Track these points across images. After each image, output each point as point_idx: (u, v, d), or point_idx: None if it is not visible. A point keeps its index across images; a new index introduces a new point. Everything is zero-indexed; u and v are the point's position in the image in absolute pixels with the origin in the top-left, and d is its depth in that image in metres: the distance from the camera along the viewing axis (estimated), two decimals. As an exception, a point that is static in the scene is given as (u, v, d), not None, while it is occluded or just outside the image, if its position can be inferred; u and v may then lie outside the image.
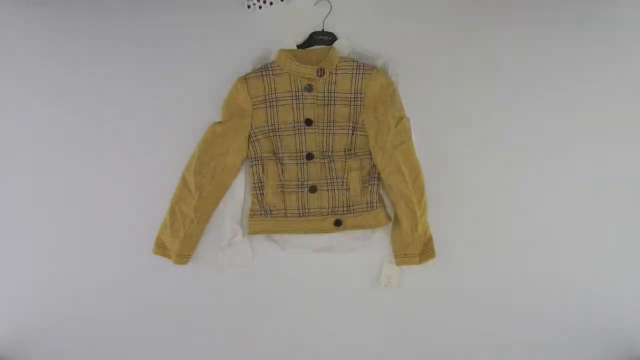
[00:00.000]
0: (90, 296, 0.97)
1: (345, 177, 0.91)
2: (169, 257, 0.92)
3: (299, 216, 0.91)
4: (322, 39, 0.93)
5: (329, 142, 0.91)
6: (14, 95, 0.97)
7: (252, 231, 0.91)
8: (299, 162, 0.91)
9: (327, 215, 0.91)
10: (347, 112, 0.90)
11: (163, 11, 0.97)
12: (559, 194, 0.94)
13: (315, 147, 0.91)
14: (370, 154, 0.91)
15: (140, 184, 0.95)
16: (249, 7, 0.93)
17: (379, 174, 0.91)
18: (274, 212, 0.91)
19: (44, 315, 0.98)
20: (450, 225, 0.93)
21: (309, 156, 0.91)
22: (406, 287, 0.94)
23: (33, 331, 0.98)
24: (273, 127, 0.91)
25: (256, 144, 0.91)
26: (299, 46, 0.93)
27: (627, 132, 0.94)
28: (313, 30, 0.93)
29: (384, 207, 0.92)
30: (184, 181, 0.91)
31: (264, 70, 0.90)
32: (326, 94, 0.90)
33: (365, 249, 0.93)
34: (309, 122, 0.90)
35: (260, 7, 0.94)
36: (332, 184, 0.91)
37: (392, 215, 0.92)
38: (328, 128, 0.91)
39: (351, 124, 0.90)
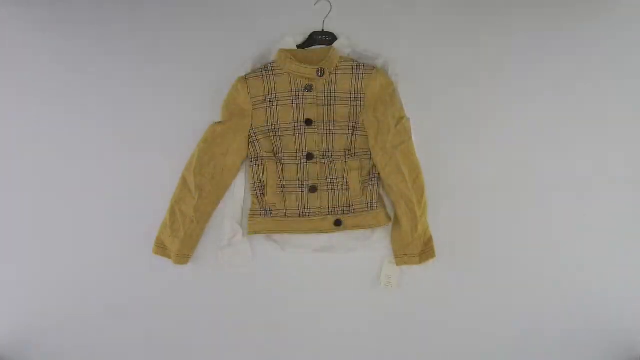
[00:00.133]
0: (90, 296, 0.97)
1: (345, 177, 0.91)
2: (169, 257, 0.92)
3: (299, 216, 0.91)
4: (322, 39, 0.93)
5: (329, 142, 0.91)
6: (13, 95, 0.97)
7: (252, 231, 0.91)
8: (299, 162, 0.91)
9: (327, 215, 0.91)
10: (347, 112, 0.90)
11: (163, 11, 0.97)
12: (559, 193, 0.94)
13: (315, 147, 0.91)
14: (370, 154, 0.91)
15: (140, 184, 0.95)
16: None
17: (379, 174, 0.91)
18: (274, 212, 0.91)
19: (44, 315, 0.98)
20: (450, 225, 0.93)
21: (309, 156, 0.91)
22: (406, 287, 0.94)
23: (33, 331, 0.98)
24: (273, 127, 0.91)
25: (256, 144, 0.91)
26: (299, 46, 0.93)
27: (628, 132, 0.94)
28: (313, 30, 0.93)
29: (384, 207, 0.92)
30: (184, 181, 0.91)
31: (264, 70, 0.90)
32: (326, 94, 0.90)
33: (365, 249, 0.93)
34: (309, 122, 0.90)
35: None
36: (332, 184, 0.91)
37: (392, 215, 0.92)
38: (328, 128, 0.91)
39: (351, 124, 0.90)
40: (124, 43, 0.97)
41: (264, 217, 0.91)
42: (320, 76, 0.88)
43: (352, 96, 0.89)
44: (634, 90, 0.94)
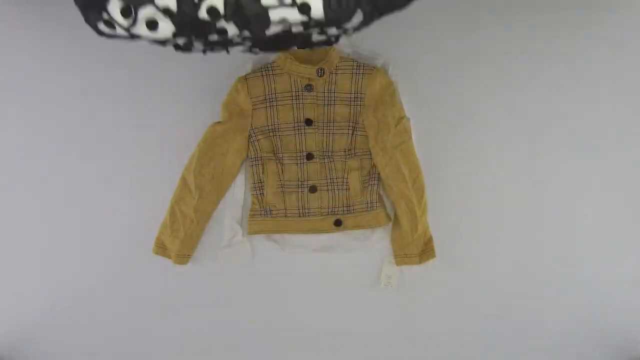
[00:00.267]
0: (90, 296, 0.97)
1: (345, 177, 0.91)
2: (169, 257, 0.92)
3: (299, 216, 0.91)
4: (322, 39, 0.93)
5: (329, 142, 0.91)
6: (13, 95, 0.97)
7: (252, 231, 0.92)
8: (299, 162, 0.91)
9: (327, 215, 0.91)
10: (347, 112, 0.90)
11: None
12: (560, 193, 0.94)
13: (315, 147, 0.91)
14: (370, 154, 0.91)
15: (140, 184, 0.95)
16: None
17: (379, 174, 0.91)
18: (274, 212, 0.91)
19: (44, 315, 0.98)
20: (450, 225, 0.93)
21: (309, 156, 0.91)
22: (406, 287, 0.94)
23: (33, 331, 0.98)
24: (273, 127, 0.91)
25: (256, 144, 0.91)
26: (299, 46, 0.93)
27: (629, 132, 0.94)
28: (313, 30, 0.93)
29: (384, 207, 0.92)
30: (184, 181, 0.91)
31: (264, 70, 0.90)
32: (326, 94, 0.90)
33: (365, 249, 0.93)
34: (309, 122, 0.90)
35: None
36: (332, 184, 0.91)
37: (392, 215, 0.92)
38: (328, 128, 0.91)
39: (351, 124, 0.90)
40: (124, 42, 0.97)
41: (264, 217, 0.91)
42: (321, 76, 0.88)
43: (352, 96, 0.89)
44: (636, 89, 0.94)
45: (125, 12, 0.39)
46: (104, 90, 0.97)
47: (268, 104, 0.90)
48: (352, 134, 0.91)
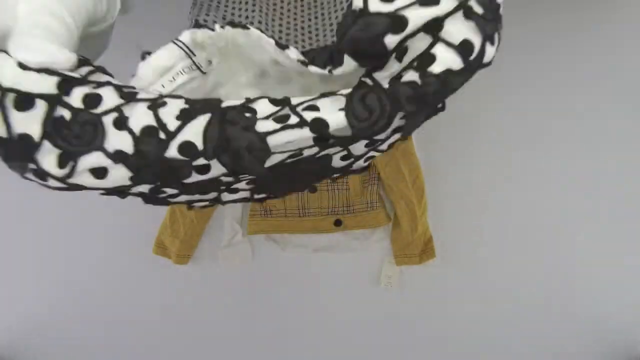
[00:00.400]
0: (90, 296, 0.97)
1: (345, 177, 0.91)
2: (169, 257, 0.92)
3: (299, 216, 0.91)
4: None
5: (329, 142, 0.91)
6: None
7: (252, 231, 0.91)
8: (299, 162, 0.91)
9: (327, 215, 0.91)
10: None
11: (164, 11, 0.97)
12: (560, 193, 0.94)
13: (315, 147, 0.91)
14: (370, 154, 0.90)
15: (140, 184, 0.95)
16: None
17: (378, 174, 0.91)
18: (274, 212, 0.91)
19: (44, 315, 0.98)
20: (450, 225, 0.93)
21: (309, 156, 0.91)
22: (406, 287, 0.94)
23: (33, 331, 0.98)
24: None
25: (256, 144, 0.91)
26: (299, 47, 0.93)
27: (629, 132, 0.94)
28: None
29: (384, 207, 0.92)
30: (184, 181, 0.91)
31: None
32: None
33: (365, 249, 0.93)
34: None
35: None
36: (332, 184, 0.91)
37: (392, 215, 0.92)
38: (328, 128, 0.90)
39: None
40: (125, 42, 0.97)
41: (264, 217, 0.91)
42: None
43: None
44: (636, 90, 0.94)
45: (61, 163, 0.27)
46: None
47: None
48: (352, 134, 0.90)
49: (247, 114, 0.27)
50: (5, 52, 0.24)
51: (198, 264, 0.95)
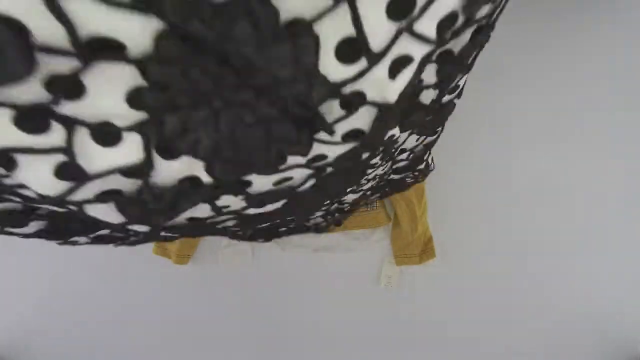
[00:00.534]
0: (91, 296, 0.97)
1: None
2: (169, 257, 0.92)
3: (299, 216, 0.91)
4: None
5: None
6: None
7: (252, 231, 0.92)
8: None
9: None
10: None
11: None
12: (560, 194, 0.94)
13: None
14: (370, 154, 0.90)
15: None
16: None
17: (379, 174, 0.91)
18: (274, 212, 0.91)
19: (44, 315, 0.98)
20: (450, 225, 0.93)
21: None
22: (406, 287, 0.94)
23: (33, 331, 0.98)
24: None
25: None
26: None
27: (630, 132, 0.94)
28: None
29: (384, 207, 0.92)
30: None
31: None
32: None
33: (365, 249, 0.93)
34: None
35: None
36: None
37: (392, 215, 0.92)
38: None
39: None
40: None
41: (264, 217, 0.91)
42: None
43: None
44: (636, 90, 0.94)
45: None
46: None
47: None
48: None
49: None
50: None
51: (198, 264, 0.94)
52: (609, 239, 0.94)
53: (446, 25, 0.23)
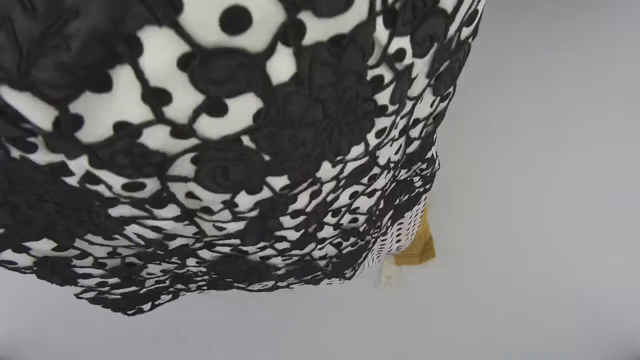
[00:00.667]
0: (90, 296, 0.97)
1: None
2: (169, 257, 0.92)
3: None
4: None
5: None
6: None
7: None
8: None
9: (327, 215, 0.91)
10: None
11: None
12: (561, 193, 0.94)
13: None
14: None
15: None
16: None
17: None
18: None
19: (44, 315, 0.98)
20: (450, 225, 0.93)
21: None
22: (406, 287, 0.94)
23: (33, 331, 0.98)
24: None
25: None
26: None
27: (631, 132, 0.94)
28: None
29: (384, 207, 0.92)
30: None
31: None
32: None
33: (365, 249, 0.93)
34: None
35: None
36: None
37: (392, 215, 0.92)
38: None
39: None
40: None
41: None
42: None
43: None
44: (636, 90, 0.94)
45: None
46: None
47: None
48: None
49: None
50: None
51: (198, 264, 0.94)
52: (609, 239, 0.94)
53: None
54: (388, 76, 0.20)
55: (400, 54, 0.19)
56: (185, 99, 0.16)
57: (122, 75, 0.14)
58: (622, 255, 0.94)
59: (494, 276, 0.94)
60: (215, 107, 0.16)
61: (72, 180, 0.19)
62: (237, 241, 0.27)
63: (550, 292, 0.94)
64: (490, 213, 0.94)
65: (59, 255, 0.27)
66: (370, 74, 0.20)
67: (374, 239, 0.38)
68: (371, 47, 0.18)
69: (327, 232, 0.31)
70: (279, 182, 0.22)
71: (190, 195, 0.21)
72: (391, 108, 0.22)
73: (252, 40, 0.15)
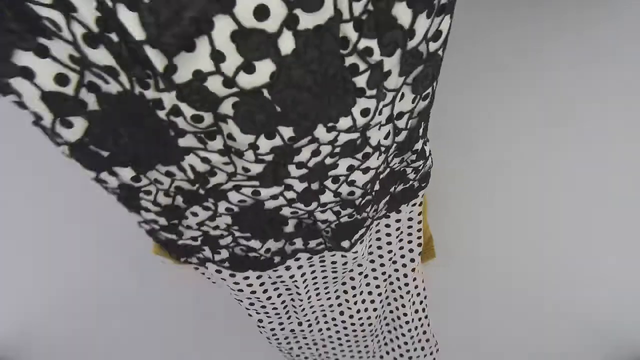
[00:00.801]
0: (91, 296, 0.97)
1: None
2: (168, 256, 0.92)
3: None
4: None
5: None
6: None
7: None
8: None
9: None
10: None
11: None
12: (561, 194, 0.94)
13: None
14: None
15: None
16: None
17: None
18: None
19: (44, 315, 0.98)
20: (450, 225, 0.93)
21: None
22: (406, 287, 0.94)
23: (33, 331, 0.98)
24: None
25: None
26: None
27: (631, 132, 0.94)
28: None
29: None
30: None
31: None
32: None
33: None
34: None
35: None
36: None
37: (392, 215, 0.92)
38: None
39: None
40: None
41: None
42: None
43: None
44: (636, 89, 0.94)
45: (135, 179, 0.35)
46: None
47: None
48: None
49: None
50: None
51: (198, 264, 0.94)
52: (609, 239, 0.94)
53: None
54: (362, 66, 0.28)
55: (369, 50, 0.27)
56: (233, 59, 0.25)
57: (202, 43, 0.24)
58: (622, 255, 0.94)
59: (494, 276, 0.94)
60: (249, 67, 0.25)
61: (162, 114, 0.28)
62: (257, 183, 0.34)
63: (550, 292, 0.94)
64: (490, 213, 0.94)
65: (133, 184, 0.37)
66: (348, 61, 0.27)
67: (370, 219, 0.45)
68: (342, 38, 0.26)
69: (327, 196, 0.38)
70: (286, 132, 0.30)
71: (229, 136, 0.30)
72: (369, 92, 0.29)
73: (270, 24, 0.23)
